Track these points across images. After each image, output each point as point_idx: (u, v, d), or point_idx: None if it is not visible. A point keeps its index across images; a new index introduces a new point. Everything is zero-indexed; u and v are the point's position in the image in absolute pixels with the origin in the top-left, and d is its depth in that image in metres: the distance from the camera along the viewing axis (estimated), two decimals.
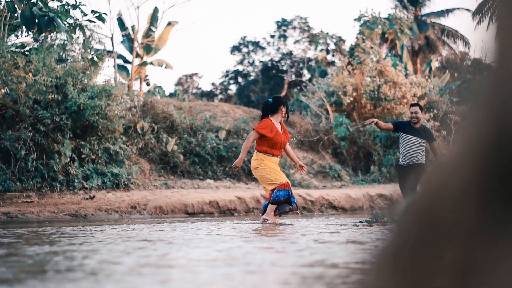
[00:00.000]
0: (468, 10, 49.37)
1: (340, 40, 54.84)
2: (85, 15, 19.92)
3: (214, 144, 24.75)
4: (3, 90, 19.43)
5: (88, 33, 21.43)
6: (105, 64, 22.90)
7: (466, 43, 50.23)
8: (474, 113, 1.20)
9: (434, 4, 56.89)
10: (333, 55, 55.01)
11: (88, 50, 22.27)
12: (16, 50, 20.39)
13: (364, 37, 31.25)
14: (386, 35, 35.28)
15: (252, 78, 60.26)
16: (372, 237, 7.89)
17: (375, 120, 14.05)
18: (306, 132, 28.79)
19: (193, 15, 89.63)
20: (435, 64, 50.30)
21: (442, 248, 1.16)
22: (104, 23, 19.02)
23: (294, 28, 59.53)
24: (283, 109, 12.63)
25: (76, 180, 19.19)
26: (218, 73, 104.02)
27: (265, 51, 60.81)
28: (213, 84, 63.89)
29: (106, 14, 19.75)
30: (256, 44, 60.97)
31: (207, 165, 24.26)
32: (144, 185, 21.09)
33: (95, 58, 21.43)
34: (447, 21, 56.46)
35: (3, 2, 19.57)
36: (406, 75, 32.69)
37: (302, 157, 26.96)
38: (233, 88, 62.53)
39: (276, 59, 60.10)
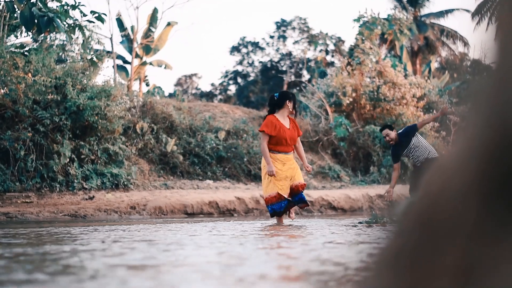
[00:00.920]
0: (467, 10, 49.39)
1: (339, 41, 54.85)
2: (85, 15, 19.94)
3: (214, 145, 24.75)
4: (2, 91, 19.44)
5: (87, 33, 21.42)
6: (105, 65, 22.90)
7: (466, 43, 50.25)
8: (474, 114, 1.20)
9: (433, 5, 56.86)
10: (332, 56, 55.02)
11: (88, 51, 22.26)
12: (16, 50, 20.40)
13: (363, 38, 31.25)
14: (385, 36, 35.28)
15: (251, 78, 60.28)
16: (372, 237, 7.90)
17: (391, 190, 14.10)
18: (305, 133, 28.76)
19: (192, 16, 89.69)
20: (434, 64, 50.35)
21: (443, 249, 1.16)
22: (103, 23, 19.04)
23: (294, 28, 59.56)
24: (289, 104, 12.35)
25: (75, 181, 19.19)
26: (218, 74, 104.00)
27: (265, 51, 60.85)
28: (212, 84, 63.93)
29: (106, 15, 19.79)
30: (255, 45, 61.00)
31: (207, 166, 24.25)
32: (143, 185, 21.09)
33: (95, 59, 21.44)
34: (446, 22, 56.61)
35: (2, 3, 19.57)
36: (406, 76, 32.68)
37: None
38: (232, 89, 62.58)
39: (276, 59, 60.13)
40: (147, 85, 35.58)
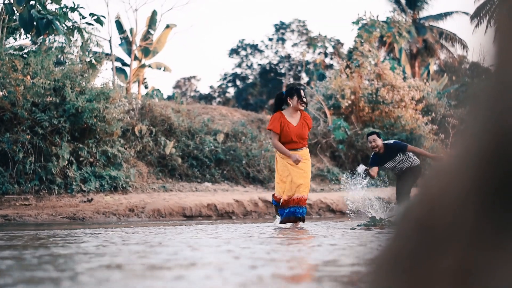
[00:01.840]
0: (466, 13, 49.45)
1: (338, 43, 54.87)
2: (84, 18, 19.96)
3: (212, 147, 24.74)
4: (1, 93, 19.43)
5: (86, 35, 21.42)
6: (103, 67, 22.94)
7: (464, 46, 50.30)
8: (473, 119, 1.20)
9: (432, 8, 57.05)
10: (331, 58, 55.03)
11: (86, 53, 22.26)
12: (15, 52, 20.40)
13: (362, 40, 31.26)
14: (384, 38, 35.31)
15: (250, 81, 60.33)
16: (370, 240, 7.89)
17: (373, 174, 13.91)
18: None
19: (191, 18, 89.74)
20: (433, 67, 50.38)
21: (441, 253, 1.16)
22: (102, 26, 19.05)
23: (292, 31, 59.62)
24: (290, 101, 11.91)
25: (74, 183, 19.18)
26: (216, 76, 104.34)
27: (263, 54, 60.91)
28: (211, 87, 63.98)
29: (104, 17, 19.80)
30: (254, 47, 61.05)
31: (205, 168, 24.25)
32: (142, 188, 21.08)
33: (93, 61, 21.45)
34: (445, 25, 56.63)
35: (1, 5, 19.57)
36: (404, 78, 32.72)
37: None
38: (231, 91, 62.63)
39: (274, 62, 60.18)
40: (146, 87, 35.58)
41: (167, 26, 34.11)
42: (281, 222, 12.06)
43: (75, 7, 18.98)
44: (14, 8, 18.72)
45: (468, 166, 1.16)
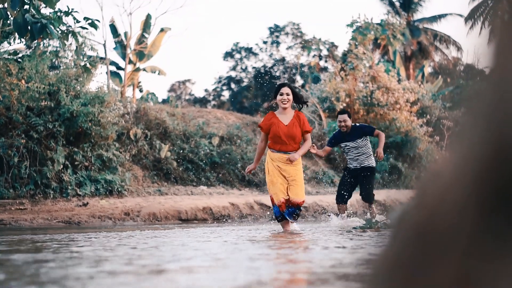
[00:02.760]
0: (460, 15, 49.58)
1: (332, 46, 54.97)
2: (78, 22, 19.91)
3: (207, 151, 24.75)
4: None
5: (80, 39, 21.39)
6: (98, 71, 22.88)
7: (459, 48, 50.43)
8: (470, 127, 1.20)
9: (426, 10, 57.13)
10: (326, 61, 55.14)
11: (81, 57, 22.25)
12: (9, 57, 20.37)
13: (356, 43, 31.28)
14: (378, 41, 35.35)
15: (245, 84, 60.38)
16: (366, 243, 7.90)
17: (314, 150, 13.04)
18: None
19: (186, 22, 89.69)
20: (427, 69, 50.47)
21: (440, 261, 1.16)
22: (96, 29, 18.99)
23: (287, 34, 59.70)
24: (275, 101, 11.68)
25: (69, 187, 19.16)
26: (211, 79, 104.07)
27: (258, 57, 60.97)
28: (206, 90, 64.01)
29: (99, 21, 19.74)
30: (249, 50, 61.10)
31: (201, 172, 24.25)
32: (137, 191, 21.07)
33: (88, 65, 21.42)
34: (439, 27, 56.64)
35: None
36: (399, 81, 32.76)
37: None
38: (226, 94, 62.66)
39: (269, 65, 60.23)
40: (141, 91, 35.60)
41: (162, 30, 34.11)
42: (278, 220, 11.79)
43: (70, 11, 18.94)
44: (8, 13, 18.70)
45: (467, 174, 1.15)
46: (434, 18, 51.01)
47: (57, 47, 22.04)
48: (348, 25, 32.19)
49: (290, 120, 11.54)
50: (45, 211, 17.60)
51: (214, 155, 24.73)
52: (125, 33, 33.32)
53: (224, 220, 19.05)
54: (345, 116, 14.20)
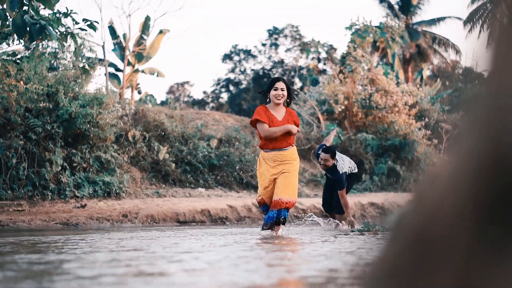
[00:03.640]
0: (459, 18, 49.67)
1: (331, 49, 54.91)
2: (77, 23, 19.90)
3: (206, 153, 24.73)
4: None
5: (79, 41, 21.39)
6: (97, 72, 22.94)
7: (457, 51, 50.45)
8: (469, 135, 1.19)
9: (425, 13, 57.04)
10: (324, 64, 55.10)
11: (80, 58, 22.26)
12: (8, 58, 20.36)
13: (355, 46, 31.26)
14: (377, 44, 35.31)
15: (243, 86, 60.38)
16: (363, 246, 7.89)
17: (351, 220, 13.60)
18: (297, 141, 28.75)
19: (184, 24, 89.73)
20: (426, 72, 50.50)
21: (438, 266, 1.16)
22: (95, 31, 18.96)
23: (286, 36, 59.68)
24: (269, 95, 11.10)
25: (67, 189, 19.15)
26: (210, 81, 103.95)
27: (257, 59, 60.96)
28: (204, 92, 63.99)
29: (98, 22, 19.71)
30: (247, 53, 61.09)
31: (199, 174, 24.23)
32: (135, 193, 21.06)
33: (87, 66, 21.40)
34: (438, 30, 56.86)
35: None
36: (398, 84, 32.78)
37: None
38: (224, 97, 62.66)
39: (268, 67, 60.21)
40: (139, 93, 35.57)
41: (160, 32, 34.10)
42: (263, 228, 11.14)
43: (69, 12, 18.93)
44: (7, 14, 18.70)
45: (464, 180, 1.15)
46: (433, 21, 51.03)
47: (55, 48, 22.04)
48: (347, 28, 32.16)
49: (283, 116, 10.97)
50: (43, 212, 17.59)
51: (213, 157, 24.71)
52: (124, 35, 33.30)
53: (222, 222, 19.04)
54: (328, 156, 13.71)
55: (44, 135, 19.44)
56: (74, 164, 19.87)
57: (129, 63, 33.54)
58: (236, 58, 61.55)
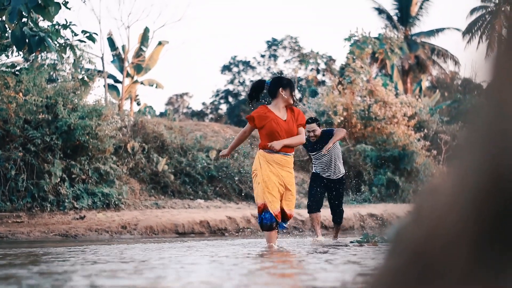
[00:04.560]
0: (458, 29, 49.74)
1: (330, 60, 54.98)
2: (76, 35, 19.91)
3: (205, 164, 24.72)
4: None
5: (78, 53, 21.39)
6: (96, 84, 22.90)
7: (456, 62, 50.50)
8: (469, 143, 1.18)
9: (424, 24, 57.29)
10: (323, 75, 55.14)
11: (79, 70, 22.25)
12: (7, 70, 20.37)
13: (354, 57, 31.27)
14: (376, 55, 35.34)
15: (242, 97, 60.38)
16: (363, 258, 7.87)
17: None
18: (296, 151, 28.74)
19: (183, 35, 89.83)
20: (425, 83, 50.52)
21: (434, 283, 1.15)
22: (94, 43, 18.99)
23: (285, 47, 59.80)
24: (283, 92, 10.29)
25: (66, 200, 19.13)
26: (209, 93, 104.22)
27: (256, 70, 61.05)
28: (203, 103, 64.00)
29: (97, 34, 19.73)
30: (246, 64, 61.17)
31: (198, 185, 24.22)
32: (134, 205, 21.03)
33: (86, 78, 21.43)
34: (437, 41, 56.84)
35: None
36: (397, 95, 32.78)
37: None
38: (223, 108, 62.67)
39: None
40: (138, 104, 35.61)
41: (159, 43, 34.16)
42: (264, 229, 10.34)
43: (68, 24, 18.95)
44: (6, 26, 18.72)
45: (466, 197, 1.14)
46: (432, 32, 51.09)
47: (55, 60, 22.05)
48: (346, 39, 32.20)
49: (286, 115, 10.24)
50: (42, 224, 17.57)
51: (212, 169, 24.70)
52: (123, 46, 33.35)
53: (221, 233, 19.02)
54: (314, 125, 13.28)
55: (43, 146, 19.43)
56: (73, 176, 19.86)
57: (128, 75, 33.59)
58: (235, 69, 61.63)
